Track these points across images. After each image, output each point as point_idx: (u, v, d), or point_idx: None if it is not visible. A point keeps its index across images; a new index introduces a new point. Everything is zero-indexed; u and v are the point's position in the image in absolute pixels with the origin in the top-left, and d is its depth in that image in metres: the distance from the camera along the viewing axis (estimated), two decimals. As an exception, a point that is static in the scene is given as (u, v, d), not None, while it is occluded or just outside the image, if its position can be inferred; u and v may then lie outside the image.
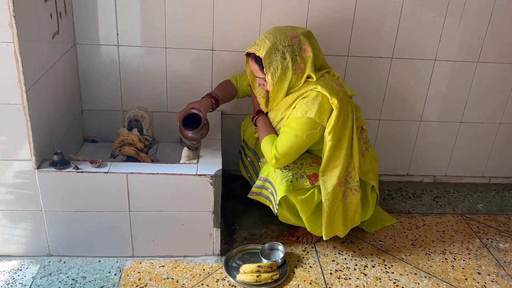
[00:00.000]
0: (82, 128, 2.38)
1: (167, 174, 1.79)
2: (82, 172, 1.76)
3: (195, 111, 1.93)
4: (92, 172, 1.76)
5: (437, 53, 2.38)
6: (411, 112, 2.52)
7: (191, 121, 1.94)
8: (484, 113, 2.56)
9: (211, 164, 1.87)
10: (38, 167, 1.75)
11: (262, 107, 1.97)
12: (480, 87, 2.49)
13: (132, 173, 1.78)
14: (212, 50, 2.27)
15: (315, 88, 1.79)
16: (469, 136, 2.62)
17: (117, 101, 2.36)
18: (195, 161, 1.92)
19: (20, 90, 1.62)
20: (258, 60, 1.79)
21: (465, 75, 2.45)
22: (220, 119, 2.34)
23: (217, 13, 2.20)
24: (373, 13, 2.26)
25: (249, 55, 1.85)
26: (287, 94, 1.85)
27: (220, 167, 1.85)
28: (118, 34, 2.22)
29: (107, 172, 1.77)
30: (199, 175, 1.80)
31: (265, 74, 1.79)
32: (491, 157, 2.69)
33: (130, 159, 2.10)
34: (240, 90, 2.16)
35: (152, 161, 2.14)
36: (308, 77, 1.82)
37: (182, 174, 1.80)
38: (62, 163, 1.77)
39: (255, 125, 2.03)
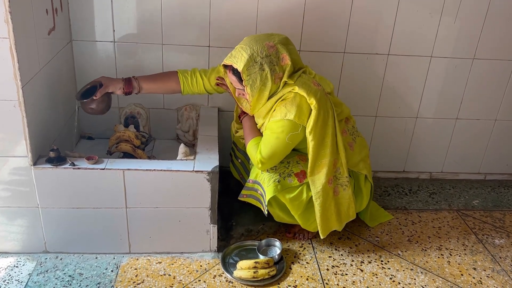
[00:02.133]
0: (78, 124, 2.37)
1: (164, 170, 1.79)
2: (78, 168, 1.75)
3: (93, 84, 1.92)
4: (89, 169, 1.76)
5: (433, 50, 2.38)
6: (407, 108, 2.53)
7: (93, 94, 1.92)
8: (480, 109, 2.57)
9: (208, 160, 1.87)
10: (34, 164, 1.75)
11: (248, 112, 1.94)
12: (476, 84, 2.49)
13: (129, 169, 1.77)
14: (209, 46, 2.27)
15: (292, 89, 1.78)
16: (465, 132, 2.63)
17: (114, 98, 2.34)
18: (192, 157, 1.92)
19: (16, 86, 1.61)
20: (236, 72, 1.76)
21: (461, 72, 2.46)
22: (217, 116, 2.34)
23: (214, 8, 2.20)
24: (369, 9, 2.26)
25: (226, 66, 1.81)
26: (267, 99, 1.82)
27: (217, 163, 1.85)
28: (114, 31, 2.21)
29: (103, 169, 1.76)
30: (196, 171, 1.80)
31: (244, 86, 1.76)
32: (487, 154, 2.71)
33: (127, 155, 2.10)
34: (195, 88, 2.01)
35: (149, 157, 2.14)
36: (285, 81, 1.80)
37: (179, 170, 1.80)
38: (58, 160, 1.76)
39: (241, 122, 2.01)
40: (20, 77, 1.60)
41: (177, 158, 1.95)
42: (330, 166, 1.83)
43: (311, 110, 1.77)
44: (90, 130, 2.41)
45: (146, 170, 1.78)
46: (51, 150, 1.76)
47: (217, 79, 1.98)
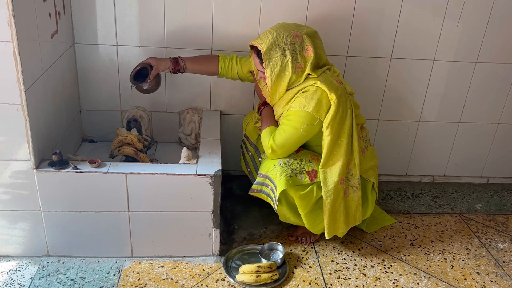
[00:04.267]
0: (80, 128, 2.38)
1: (166, 174, 1.79)
2: (81, 172, 1.75)
3: (143, 66, 2.02)
4: (91, 172, 1.76)
5: (436, 53, 2.38)
6: (410, 112, 2.53)
7: (145, 75, 2.03)
8: (483, 113, 2.57)
9: (211, 164, 1.87)
10: (37, 167, 1.74)
11: (268, 100, 1.99)
12: (478, 87, 2.49)
13: (131, 173, 1.77)
14: (211, 50, 2.27)
15: (314, 83, 1.81)
16: (467, 136, 2.62)
17: (116, 101, 2.36)
18: (195, 161, 1.91)
19: (19, 90, 1.61)
20: (259, 53, 1.82)
21: (464, 75, 2.46)
22: (219, 119, 2.34)
23: (216, 12, 2.20)
24: (372, 13, 2.26)
25: (252, 47, 1.88)
26: (288, 89, 1.87)
27: (220, 167, 1.85)
28: (116, 34, 2.21)
29: (106, 172, 1.76)
30: (198, 175, 1.80)
31: (264, 69, 1.81)
32: (490, 157, 2.70)
33: (129, 159, 2.10)
34: (229, 72, 2.11)
35: (151, 161, 2.14)
36: (309, 74, 1.83)
37: (181, 174, 1.80)
38: (61, 163, 1.76)
39: (260, 114, 2.04)
40: (23, 80, 1.60)
41: (180, 162, 1.94)
42: (343, 165, 1.84)
43: (330, 105, 1.79)
44: (92, 133, 2.41)
45: (149, 173, 1.78)
46: (53, 154, 1.76)
47: (251, 72, 2.07)
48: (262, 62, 1.81)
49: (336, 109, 1.78)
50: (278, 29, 1.82)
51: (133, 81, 2.04)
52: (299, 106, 1.80)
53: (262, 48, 1.78)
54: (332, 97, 1.78)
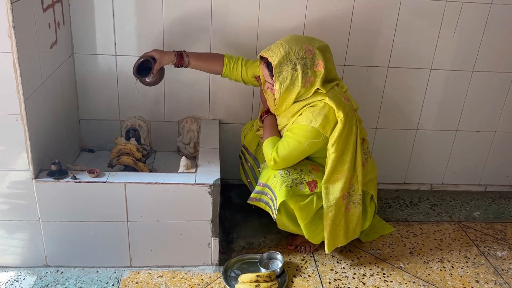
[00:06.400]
0: (79, 137, 2.38)
1: (165, 183, 1.79)
2: (80, 182, 1.75)
3: (146, 58, 1.98)
4: (90, 182, 1.76)
5: (433, 62, 2.40)
6: (407, 120, 2.54)
7: (148, 68, 2.00)
8: (480, 121, 2.58)
9: (210, 173, 1.87)
10: (36, 177, 1.74)
11: (272, 110, 1.99)
12: (475, 96, 2.51)
13: (130, 182, 1.77)
14: (210, 58, 2.28)
15: (323, 99, 1.80)
16: (465, 144, 2.63)
17: (115, 111, 2.36)
18: (193, 170, 1.92)
19: (19, 100, 1.62)
20: (269, 65, 1.80)
21: (461, 84, 2.47)
22: (218, 128, 2.34)
23: (215, 22, 2.21)
24: (369, 22, 2.28)
25: (262, 57, 1.86)
26: (295, 102, 1.86)
27: (219, 176, 1.85)
28: (115, 44, 2.22)
29: (105, 182, 1.76)
30: (197, 184, 1.80)
31: (274, 81, 1.80)
32: (487, 165, 2.71)
33: (128, 168, 2.09)
34: (233, 74, 2.08)
35: (150, 170, 2.14)
36: (318, 89, 1.83)
37: (180, 183, 1.80)
38: (60, 173, 1.76)
39: (263, 122, 2.04)
40: (23, 90, 1.61)
41: (179, 171, 1.95)
42: (346, 182, 1.85)
43: (337, 122, 1.79)
44: (91, 143, 2.41)
45: (148, 183, 1.78)
46: (52, 164, 1.76)
47: (256, 77, 2.04)
48: (272, 74, 1.79)
49: (342, 127, 1.78)
50: (290, 42, 1.80)
51: (136, 75, 2.00)
52: (306, 121, 1.80)
53: (273, 61, 1.76)
54: (340, 115, 1.78)
